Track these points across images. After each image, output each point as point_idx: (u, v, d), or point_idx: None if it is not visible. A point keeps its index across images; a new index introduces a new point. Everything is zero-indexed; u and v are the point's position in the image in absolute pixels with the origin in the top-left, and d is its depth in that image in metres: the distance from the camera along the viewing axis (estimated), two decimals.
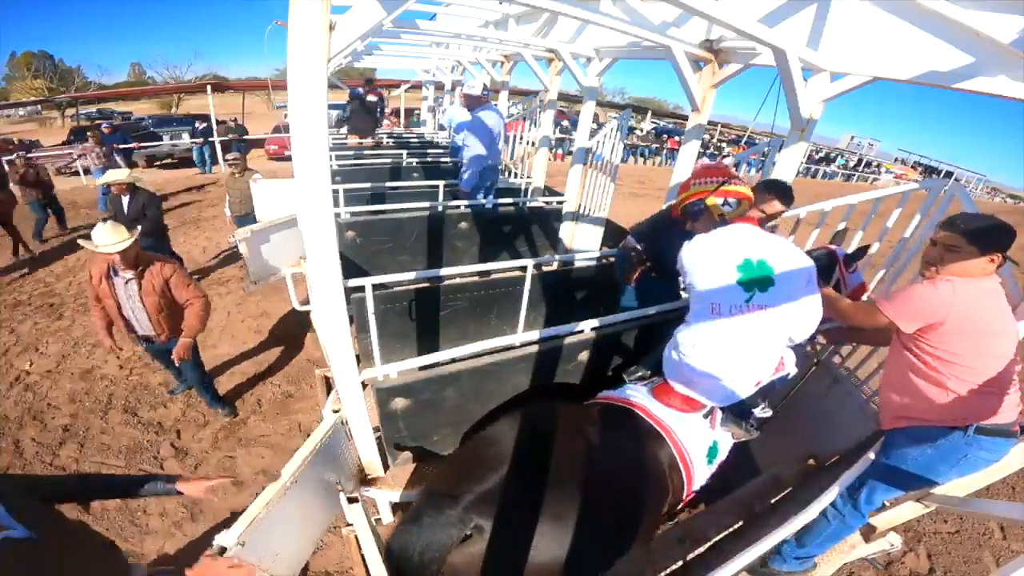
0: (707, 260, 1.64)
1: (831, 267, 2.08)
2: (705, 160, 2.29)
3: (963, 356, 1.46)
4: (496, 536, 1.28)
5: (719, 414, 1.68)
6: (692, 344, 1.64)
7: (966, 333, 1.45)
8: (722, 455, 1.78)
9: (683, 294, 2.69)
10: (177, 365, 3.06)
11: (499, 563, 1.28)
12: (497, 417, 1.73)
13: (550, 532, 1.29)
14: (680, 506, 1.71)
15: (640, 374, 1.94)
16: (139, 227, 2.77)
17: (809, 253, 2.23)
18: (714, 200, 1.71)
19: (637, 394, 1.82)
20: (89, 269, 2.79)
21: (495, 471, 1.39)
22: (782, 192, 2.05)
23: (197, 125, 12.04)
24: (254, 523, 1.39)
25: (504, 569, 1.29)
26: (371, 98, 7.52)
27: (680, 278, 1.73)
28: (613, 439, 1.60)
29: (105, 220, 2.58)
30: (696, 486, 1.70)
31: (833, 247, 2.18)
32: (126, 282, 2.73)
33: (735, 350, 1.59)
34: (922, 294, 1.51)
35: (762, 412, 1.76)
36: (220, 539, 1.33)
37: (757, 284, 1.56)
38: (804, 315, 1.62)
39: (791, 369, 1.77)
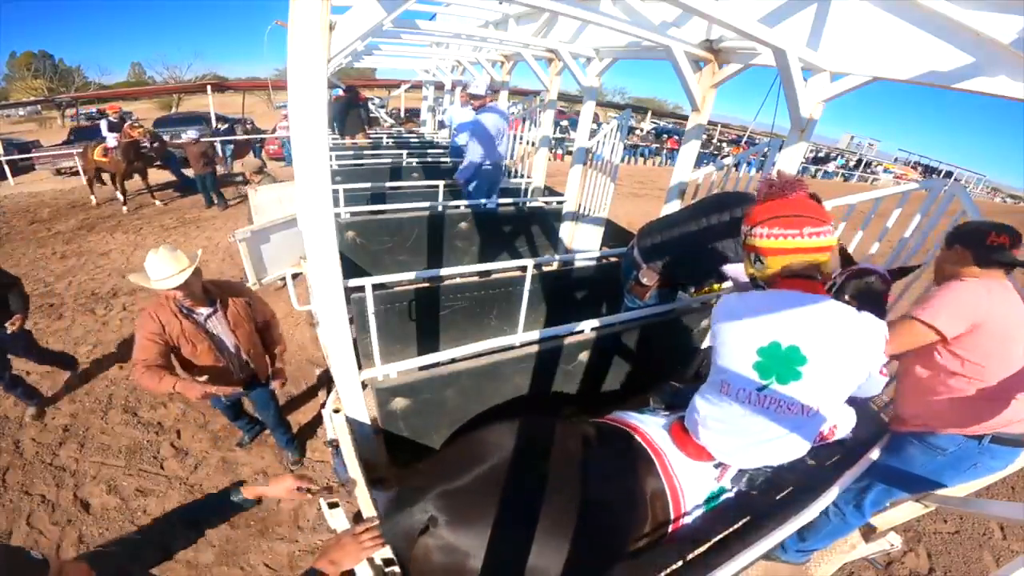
0: (730, 331, 1.34)
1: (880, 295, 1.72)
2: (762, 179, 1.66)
3: (988, 360, 1.41)
4: (449, 531, 1.27)
5: (731, 470, 1.53)
6: (703, 414, 1.47)
7: (998, 330, 1.39)
8: (725, 501, 1.64)
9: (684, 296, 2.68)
10: (273, 393, 2.72)
11: (450, 559, 1.27)
12: (493, 418, 1.72)
13: (502, 535, 1.28)
14: (667, 537, 1.57)
15: (658, 405, 1.82)
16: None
17: (863, 289, 1.71)
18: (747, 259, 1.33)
19: (646, 422, 1.66)
20: (145, 315, 2.05)
21: (468, 472, 1.37)
22: None
23: (219, 126, 12.32)
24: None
25: (454, 566, 1.27)
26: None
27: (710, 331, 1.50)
28: (598, 457, 1.51)
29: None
30: (687, 521, 1.57)
31: (878, 269, 1.86)
32: (206, 318, 2.17)
33: (744, 434, 1.37)
34: (959, 295, 1.42)
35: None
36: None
37: (776, 374, 1.24)
38: (845, 409, 1.46)
39: (846, 433, 1.62)
